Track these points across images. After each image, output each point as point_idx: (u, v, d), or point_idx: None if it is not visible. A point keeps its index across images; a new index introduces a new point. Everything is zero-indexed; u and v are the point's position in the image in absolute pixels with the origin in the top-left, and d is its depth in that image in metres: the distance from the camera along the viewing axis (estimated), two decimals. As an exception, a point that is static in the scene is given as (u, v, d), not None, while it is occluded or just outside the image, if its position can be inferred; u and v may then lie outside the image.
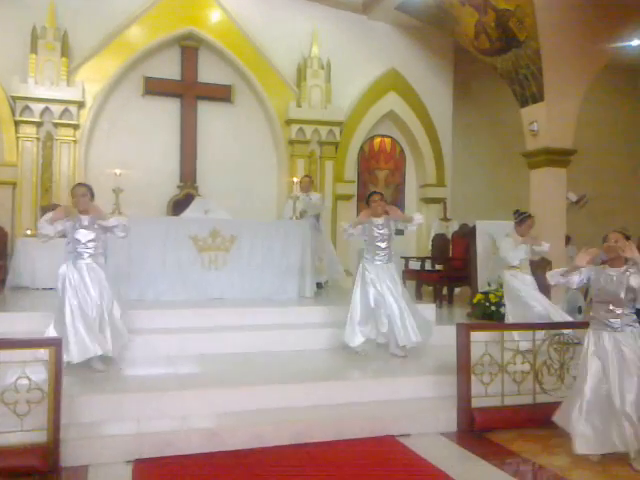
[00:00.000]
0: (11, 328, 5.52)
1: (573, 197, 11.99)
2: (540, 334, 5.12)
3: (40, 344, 4.06)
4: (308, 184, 8.71)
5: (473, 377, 4.78)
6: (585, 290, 7.44)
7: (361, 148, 11.43)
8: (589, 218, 11.98)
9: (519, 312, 6.30)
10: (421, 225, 6.37)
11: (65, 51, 9.57)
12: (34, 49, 9.42)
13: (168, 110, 10.49)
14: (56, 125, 9.55)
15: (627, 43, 9.22)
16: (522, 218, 6.42)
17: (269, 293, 7.43)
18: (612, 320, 4.12)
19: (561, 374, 5.05)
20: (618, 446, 4.02)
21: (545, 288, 6.60)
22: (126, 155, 10.02)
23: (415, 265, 9.50)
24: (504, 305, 6.67)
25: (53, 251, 8.30)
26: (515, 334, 5.34)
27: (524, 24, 8.65)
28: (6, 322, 5.69)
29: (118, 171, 8.82)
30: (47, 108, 9.44)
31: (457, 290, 9.26)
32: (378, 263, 5.94)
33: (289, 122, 10.70)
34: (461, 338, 4.85)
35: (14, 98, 9.33)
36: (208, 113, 10.66)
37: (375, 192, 6.31)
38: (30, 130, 9.48)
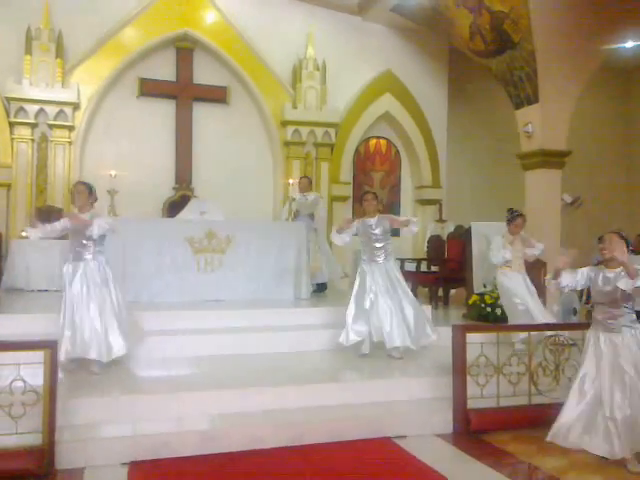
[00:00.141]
0: (5, 330, 5.48)
1: (568, 198, 12.01)
2: (535, 335, 5.13)
3: (35, 346, 4.04)
4: (306, 185, 8.71)
5: (469, 378, 4.78)
6: (580, 292, 7.46)
7: (356, 150, 11.45)
8: (584, 219, 12.01)
9: (509, 310, 6.35)
10: (415, 233, 6.35)
11: (60, 52, 9.56)
12: (29, 50, 9.41)
13: (163, 111, 10.49)
14: (51, 126, 9.54)
15: (621, 45, 9.27)
16: (511, 217, 6.42)
17: (265, 294, 7.43)
18: (610, 321, 4.13)
19: (556, 375, 5.05)
20: (603, 451, 4.02)
21: (540, 289, 6.63)
22: (121, 157, 10.01)
23: (411, 266, 9.50)
24: (500, 306, 6.68)
25: (48, 253, 8.33)
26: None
27: (519, 26, 8.68)
28: (0, 324, 5.66)
29: (113, 173, 8.83)
30: (42, 109, 9.43)
31: (453, 291, 9.27)
32: (376, 263, 5.93)
33: (285, 123, 10.71)
34: (457, 339, 4.85)
35: (8, 99, 9.31)
36: (203, 114, 10.66)
37: (367, 192, 6.30)
38: (25, 131, 9.46)
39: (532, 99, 9.10)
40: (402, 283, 5.96)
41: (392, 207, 11.50)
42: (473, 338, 4.91)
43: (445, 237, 10.04)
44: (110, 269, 5.15)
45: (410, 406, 4.90)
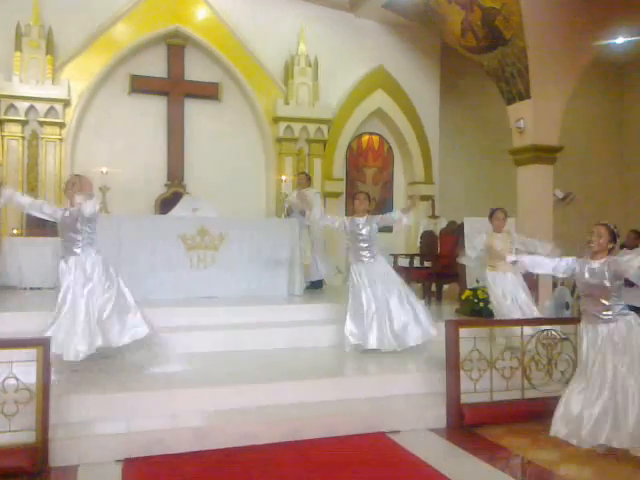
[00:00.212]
0: (-2, 328, 5.47)
1: (560, 194, 12.06)
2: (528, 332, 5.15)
3: (27, 344, 4.02)
4: (303, 181, 8.69)
5: (462, 373, 4.80)
6: (572, 286, 7.49)
7: (349, 146, 11.44)
8: (576, 215, 12.07)
9: (495, 311, 6.39)
10: (409, 225, 6.35)
11: (50, 49, 9.50)
12: (19, 47, 9.33)
13: (155, 108, 10.44)
14: (42, 124, 9.47)
15: (612, 40, 9.28)
16: (491, 212, 6.39)
17: (258, 291, 7.42)
18: (604, 313, 4.16)
19: (549, 370, 5.09)
20: (611, 441, 4.05)
21: (532, 285, 6.65)
22: (113, 154, 9.96)
23: (404, 262, 9.52)
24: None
25: (40, 251, 8.29)
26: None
27: (510, 22, 8.70)
28: (-7, 322, 5.64)
29: (105, 170, 8.77)
30: (32, 106, 9.35)
31: (446, 287, 9.30)
32: (362, 263, 5.96)
33: (277, 120, 10.69)
34: (450, 334, 4.87)
35: (-2, 96, 9.24)
36: (195, 111, 10.62)
37: (361, 192, 6.34)
38: (15, 129, 9.39)
39: (524, 95, 9.13)
40: (394, 280, 5.97)
41: (385, 203, 11.50)
42: (466, 333, 4.93)
43: (438, 233, 10.07)
44: (102, 259, 5.11)
45: (404, 401, 4.92)
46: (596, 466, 3.98)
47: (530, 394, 4.96)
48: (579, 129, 12.26)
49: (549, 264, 4.45)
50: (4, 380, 3.86)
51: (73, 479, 3.70)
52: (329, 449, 4.24)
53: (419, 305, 6.04)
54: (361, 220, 6.01)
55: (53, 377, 4.10)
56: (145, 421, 4.27)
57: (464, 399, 4.75)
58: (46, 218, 5.16)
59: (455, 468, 3.92)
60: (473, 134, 12.39)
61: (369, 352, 5.81)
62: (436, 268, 8.92)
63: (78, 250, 5.02)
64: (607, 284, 4.11)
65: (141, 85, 10.30)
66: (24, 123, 9.40)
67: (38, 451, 3.76)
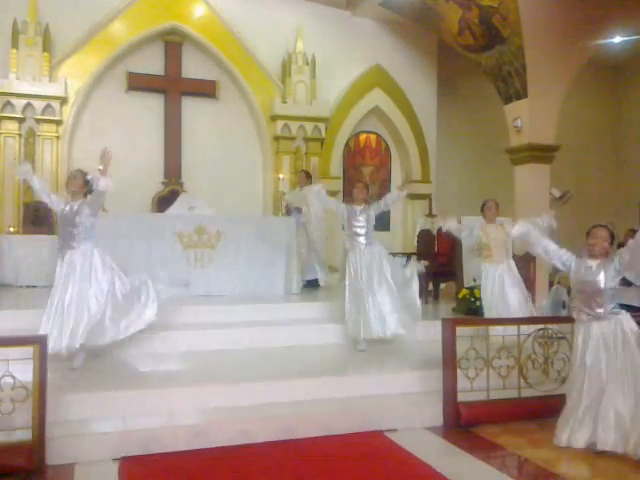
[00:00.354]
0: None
1: (556, 193, 12.07)
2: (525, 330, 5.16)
3: (24, 342, 4.01)
4: (302, 178, 8.70)
5: (459, 372, 4.81)
6: (569, 286, 7.50)
7: (346, 144, 11.44)
8: (572, 214, 12.08)
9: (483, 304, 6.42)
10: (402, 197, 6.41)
11: (47, 46, 9.46)
12: (15, 44, 9.29)
13: (152, 106, 10.42)
14: (38, 121, 9.44)
15: (609, 40, 9.31)
16: (482, 204, 6.45)
17: (255, 289, 7.42)
18: (597, 310, 4.17)
19: (545, 368, 5.09)
20: (604, 444, 4.06)
21: (528, 283, 6.66)
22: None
23: (401, 261, 9.50)
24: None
25: (36, 249, 8.29)
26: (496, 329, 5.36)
27: (507, 21, 8.71)
28: (-11, 320, 5.62)
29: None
30: (29, 104, 9.33)
31: (443, 285, 9.30)
32: (359, 249, 6.00)
33: (274, 118, 10.68)
34: (447, 333, 4.87)
35: (-5, 94, 9.21)
36: (192, 109, 10.60)
37: (360, 181, 6.42)
38: (12, 126, 9.36)
39: (521, 94, 9.14)
40: (386, 268, 5.97)
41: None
42: (463, 331, 4.93)
43: (435, 232, 10.06)
44: (99, 252, 5.10)
45: (401, 400, 4.92)
46: (592, 465, 3.99)
47: (527, 393, 4.96)
48: (575, 128, 12.27)
49: (545, 244, 4.44)
50: (0, 378, 3.85)
51: (70, 477, 3.70)
52: (326, 447, 4.24)
53: (401, 301, 6.01)
54: (359, 208, 6.10)
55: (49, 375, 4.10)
56: (142, 419, 4.27)
57: (461, 398, 4.75)
58: (49, 205, 5.37)
59: (452, 467, 3.93)
60: (470, 133, 12.40)
61: (366, 346, 5.87)
62: (433, 267, 8.92)
63: (75, 244, 5.02)
64: (602, 285, 4.12)
65: (138, 83, 10.28)
66: (21, 120, 9.38)
67: (35, 449, 3.75)
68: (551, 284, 7.94)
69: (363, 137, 11.74)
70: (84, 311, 4.90)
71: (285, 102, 10.69)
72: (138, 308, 5.15)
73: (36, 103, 9.34)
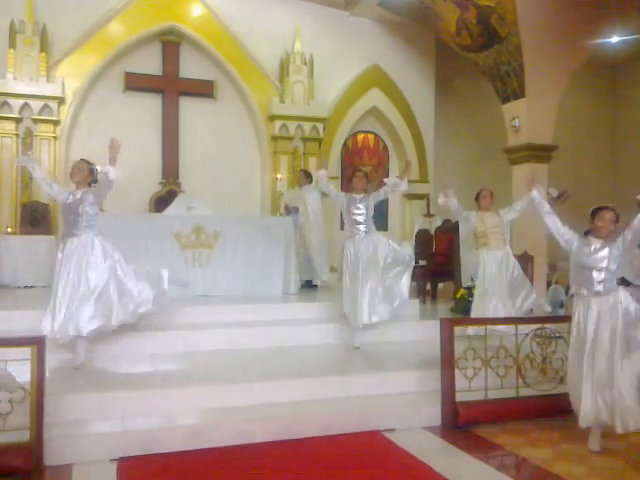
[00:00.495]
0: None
1: (554, 192, 12.08)
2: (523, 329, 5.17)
3: (22, 342, 4.01)
4: (301, 178, 8.70)
5: (457, 371, 4.81)
6: (567, 284, 7.52)
7: (344, 144, 11.44)
8: (570, 213, 12.06)
9: None
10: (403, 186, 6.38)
11: (44, 46, 9.45)
12: (12, 44, 9.28)
13: (150, 106, 10.41)
14: (36, 121, 9.43)
15: (607, 40, 9.32)
16: (477, 194, 6.53)
17: (253, 289, 7.41)
18: (598, 286, 4.19)
19: (543, 368, 5.10)
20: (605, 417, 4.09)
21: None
22: (107, 151, 9.88)
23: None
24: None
25: (34, 249, 8.28)
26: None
27: (505, 20, 8.72)
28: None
29: (99, 167, 8.73)
30: (26, 104, 9.31)
31: (440, 285, 9.31)
32: (359, 237, 6.01)
33: (272, 118, 10.67)
34: (444, 333, 4.87)
35: (-8, 94, 9.19)
36: (190, 109, 10.60)
37: (360, 169, 6.40)
38: (9, 126, 9.34)
39: (519, 93, 9.15)
40: (381, 258, 5.98)
41: (380, 201, 11.48)
42: (461, 331, 4.93)
43: (433, 231, 10.08)
44: (101, 241, 5.10)
45: (399, 399, 4.92)
46: (590, 464, 4.00)
47: (525, 392, 4.97)
48: (572, 128, 12.27)
49: (554, 216, 4.57)
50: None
51: (68, 478, 3.69)
52: (324, 447, 4.24)
53: (392, 290, 6.06)
54: (358, 197, 6.12)
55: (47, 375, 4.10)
56: (140, 420, 4.27)
57: (459, 397, 4.76)
58: (52, 195, 5.49)
59: (450, 466, 3.93)
60: (468, 133, 12.40)
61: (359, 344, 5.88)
62: (431, 267, 8.93)
63: (77, 232, 5.03)
64: (604, 264, 4.17)
65: (136, 83, 10.27)
66: (18, 121, 9.36)
67: (33, 450, 3.74)
68: (549, 284, 7.96)
69: (361, 137, 11.75)
70: (86, 298, 4.90)
71: (283, 102, 10.68)
72: (142, 292, 5.16)
73: (33, 103, 9.33)
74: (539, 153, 9.20)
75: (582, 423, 4.17)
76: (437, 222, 10.71)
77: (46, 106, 9.42)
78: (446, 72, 11.97)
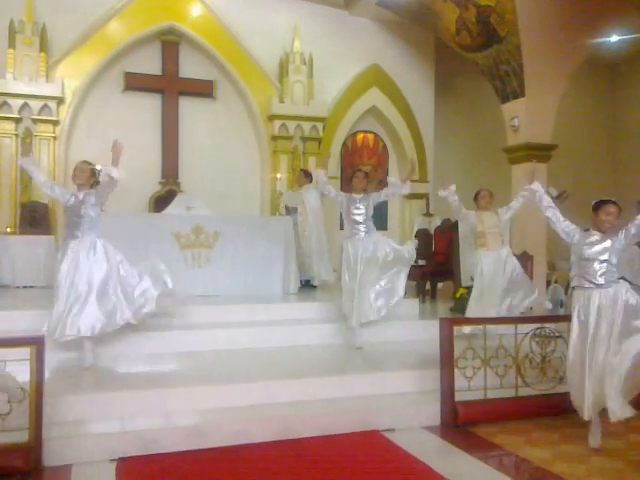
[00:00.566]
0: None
1: (554, 192, 12.07)
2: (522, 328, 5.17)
3: (21, 343, 4.01)
4: (301, 178, 8.69)
5: (456, 371, 4.81)
6: (567, 284, 7.52)
7: (344, 144, 11.44)
8: (570, 213, 12.08)
9: None
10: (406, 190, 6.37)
11: (44, 46, 9.44)
12: (12, 44, 9.27)
13: (149, 106, 10.41)
14: (35, 121, 9.42)
15: (606, 39, 9.32)
16: (475, 194, 6.53)
17: (253, 289, 7.41)
18: (599, 278, 4.20)
19: (543, 367, 5.10)
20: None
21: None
22: (107, 151, 9.70)
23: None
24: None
25: (34, 249, 8.27)
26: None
27: (505, 20, 8.71)
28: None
29: (99, 167, 8.73)
30: (26, 104, 9.30)
31: (440, 285, 9.31)
32: (358, 237, 6.01)
33: (272, 118, 10.67)
34: (444, 332, 4.87)
35: (-8, 94, 9.18)
36: (190, 109, 10.59)
37: (360, 169, 6.52)
38: (9, 126, 9.33)
39: (518, 93, 9.15)
40: (380, 256, 5.98)
41: (380, 202, 11.48)
42: (457, 330, 4.94)
43: (432, 231, 10.07)
44: (103, 243, 5.10)
45: (398, 399, 4.92)
46: (590, 464, 4.00)
47: (524, 392, 4.97)
48: (572, 127, 12.27)
49: (555, 209, 4.61)
50: (-2, 379, 3.85)
51: (67, 478, 3.69)
52: (324, 447, 4.24)
53: (389, 288, 6.08)
54: (358, 197, 6.12)
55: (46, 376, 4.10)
56: (139, 420, 4.27)
57: (458, 397, 4.76)
58: (54, 198, 5.58)
59: (449, 466, 3.93)
60: (467, 132, 12.40)
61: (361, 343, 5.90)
62: (431, 266, 8.93)
63: (79, 233, 5.03)
64: (606, 257, 4.18)
65: (135, 82, 10.27)
66: (17, 121, 9.35)
67: (32, 450, 3.74)
68: (548, 283, 7.96)
69: (360, 137, 11.74)
70: (88, 300, 4.90)
71: (282, 102, 10.68)
72: (145, 292, 5.18)
73: (33, 103, 9.32)
74: (538, 152, 9.19)
75: (586, 415, 4.17)
76: (436, 222, 10.70)
77: (45, 106, 9.41)
78: (445, 72, 11.97)
